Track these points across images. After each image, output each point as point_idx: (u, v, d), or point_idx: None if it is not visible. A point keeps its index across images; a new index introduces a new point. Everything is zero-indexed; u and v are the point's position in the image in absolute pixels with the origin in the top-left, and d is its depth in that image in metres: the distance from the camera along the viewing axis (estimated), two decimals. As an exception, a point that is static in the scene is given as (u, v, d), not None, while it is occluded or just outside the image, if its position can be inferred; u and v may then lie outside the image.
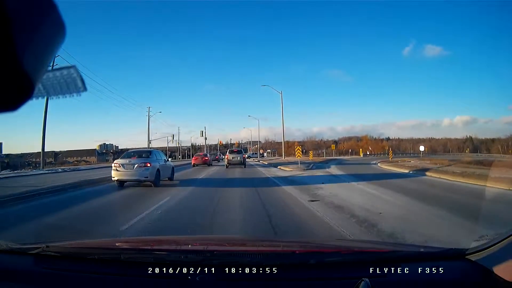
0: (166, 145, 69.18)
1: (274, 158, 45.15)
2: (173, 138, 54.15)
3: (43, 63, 0.43)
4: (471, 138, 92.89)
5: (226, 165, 22.84)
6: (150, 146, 46.68)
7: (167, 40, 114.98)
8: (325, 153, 52.60)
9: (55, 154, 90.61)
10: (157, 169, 10.64)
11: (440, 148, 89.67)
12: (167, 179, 11.79)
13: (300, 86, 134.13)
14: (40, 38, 0.40)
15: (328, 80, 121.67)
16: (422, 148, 34.07)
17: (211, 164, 26.68)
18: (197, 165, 24.68)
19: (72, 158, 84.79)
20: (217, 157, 37.79)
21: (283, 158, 33.08)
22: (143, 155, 11.01)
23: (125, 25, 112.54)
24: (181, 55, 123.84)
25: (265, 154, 56.94)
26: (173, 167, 12.97)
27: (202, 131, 56.56)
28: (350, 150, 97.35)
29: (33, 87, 0.41)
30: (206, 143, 57.85)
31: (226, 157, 23.39)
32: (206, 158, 25.80)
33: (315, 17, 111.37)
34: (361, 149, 37.26)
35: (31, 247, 1.53)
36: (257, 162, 32.27)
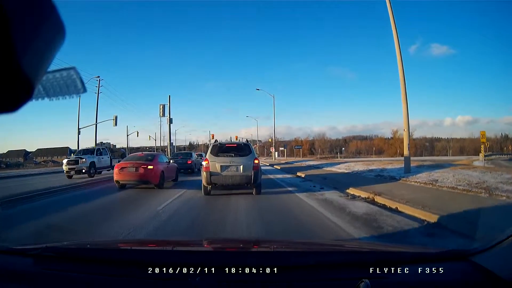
0: (154, 145, 59.67)
1: (306, 160, 27.16)
2: (115, 121, 31.67)
3: (42, 64, 0.42)
4: (507, 136, 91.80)
5: (205, 188, 7.76)
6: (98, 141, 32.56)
7: (166, 39, 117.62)
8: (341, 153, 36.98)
9: (26, 153, 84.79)
10: None
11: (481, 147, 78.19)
12: None
13: (303, 84, 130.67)
14: (40, 39, 0.40)
15: (331, 78, 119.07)
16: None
17: (175, 180, 11.37)
18: (128, 184, 9.55)
19: (42, 157, 78.96)
20: (189, 161, 16.22)
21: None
22: None
23: (124, 24, 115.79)
24: (181, 54, 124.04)
25: (276, 155, 41.17)
26: None
27: (163, 106, 29.58)
28: (363, 149, 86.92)
29: (32, 88, 0.41)
30: (175, 137, 37.16)
31: (204, 165, 7.75)
32: (149, 166, 9.25)
33: (318, 14, 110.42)
34: (482, 146, 22.36)
35: (30, 248, 1.51)
36: (291, 175, 14.42)
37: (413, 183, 9.64)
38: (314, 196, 7.60)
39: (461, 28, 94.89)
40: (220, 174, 7.49)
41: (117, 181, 9.32)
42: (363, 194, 7.73)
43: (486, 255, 1.24)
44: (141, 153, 11.13)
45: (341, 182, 9.92)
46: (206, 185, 7.64)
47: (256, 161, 7.67)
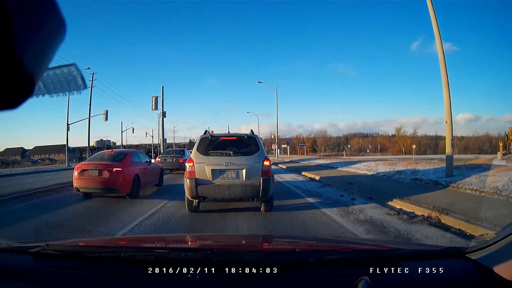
0: (150, 142, 58.16)
1: (312, 158, 25.46)
2: (105, 116, 28.68)
3: (43, 61, 0.41)
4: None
5: (190, 202, 5.30)
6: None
7: (165, 34, 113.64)
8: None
9: (23, 151, 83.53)
10: None
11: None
12: None
13: (304, 81, 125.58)
14: (40, 35, 0.39)
15: (331, 75, 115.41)
16: None
17: (159, 185, 9.02)
18: (92, 192, 7.04)
19: (39, 155, 76.64)
20: (180, 160, 13.55)
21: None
22: None
23: (124, 19, 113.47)
24: (181, 50, 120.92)
25: (278, 152, 38.74)
26: None
27: (156, 98, 26.11)
28: (372, 147, 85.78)
29: (33, 85, 0.40)
30: (174, 135, 35.52)
31: (188, 169, 5.22)
32: (115, 169, 6.77)
33: (321, 11, 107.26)
34: (501, 144, 20.30)
35: (31, 246, 1.47)
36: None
37: (468, 191, 7.35)
38: (351, 214, 5.24)
39: (464, 24, 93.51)
40: (212, 183, 5.03)
41: (76, 189, 6.94)
42: (419, 211, 5.41)
43: (484, 253, 1.21)
44: (110, 150, 8.69)
45: (374, 189, 7.58)
46: (190, 199, 5.24)
47: (266, 163, 5.21)
